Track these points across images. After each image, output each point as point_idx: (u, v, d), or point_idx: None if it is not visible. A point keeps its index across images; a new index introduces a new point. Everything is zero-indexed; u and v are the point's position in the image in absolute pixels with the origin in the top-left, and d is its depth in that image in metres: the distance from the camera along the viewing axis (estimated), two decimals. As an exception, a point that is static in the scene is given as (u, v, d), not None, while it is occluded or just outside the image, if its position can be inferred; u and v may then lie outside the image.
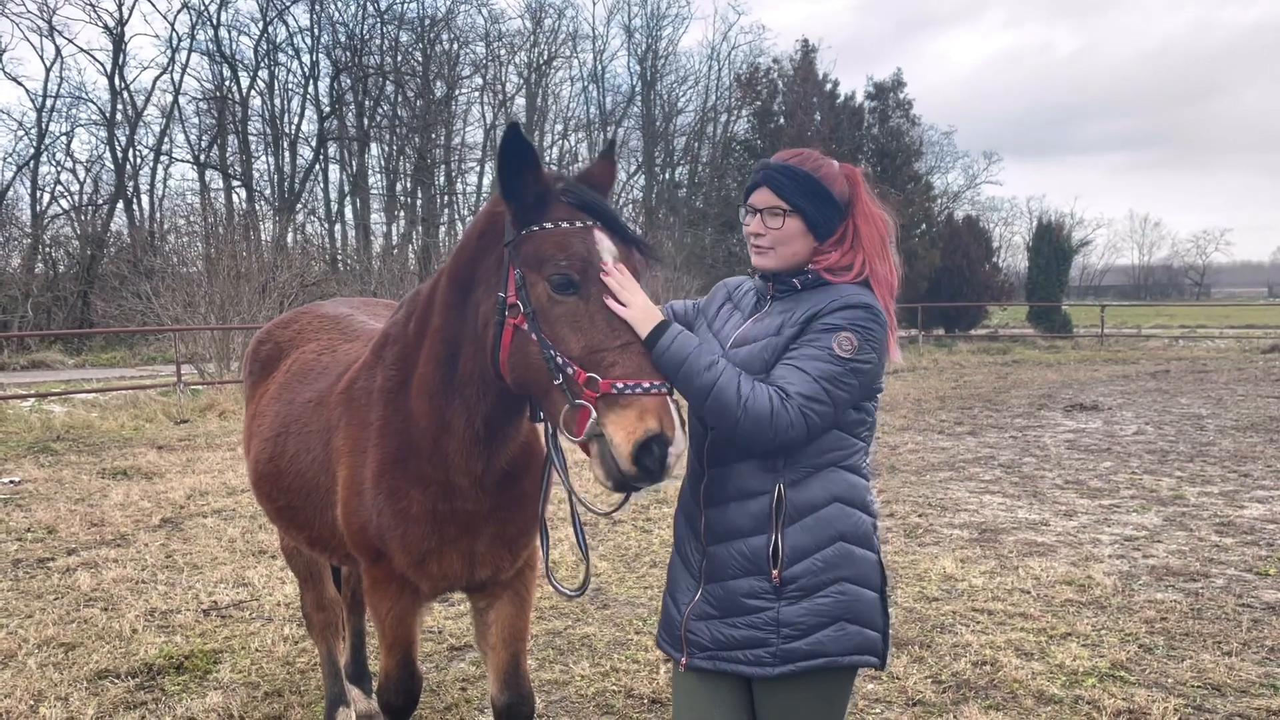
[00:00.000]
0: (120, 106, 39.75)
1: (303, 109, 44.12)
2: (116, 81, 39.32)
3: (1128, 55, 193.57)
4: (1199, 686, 4.88)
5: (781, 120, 39.32)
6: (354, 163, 44.67)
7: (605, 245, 2.60)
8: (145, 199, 40.83)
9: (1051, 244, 38.10)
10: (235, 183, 42.67)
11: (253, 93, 42.94)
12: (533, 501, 3.22)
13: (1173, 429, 13.49)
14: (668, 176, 52.74)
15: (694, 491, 2.78)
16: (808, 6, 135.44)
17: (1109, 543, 7.62)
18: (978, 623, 5.80)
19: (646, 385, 2.42)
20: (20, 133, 39.08)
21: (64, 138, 39.99)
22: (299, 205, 42.81)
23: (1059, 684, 4.90)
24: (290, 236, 35.08)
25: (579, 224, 2.62)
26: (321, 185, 45.33)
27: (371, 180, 45.51)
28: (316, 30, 43.04)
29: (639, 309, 2.54)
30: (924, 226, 37.87)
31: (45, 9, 37.75)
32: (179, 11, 40.59)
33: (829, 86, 39.32)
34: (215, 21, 40.97)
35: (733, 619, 2.65)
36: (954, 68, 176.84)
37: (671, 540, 2.97)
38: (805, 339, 2.57)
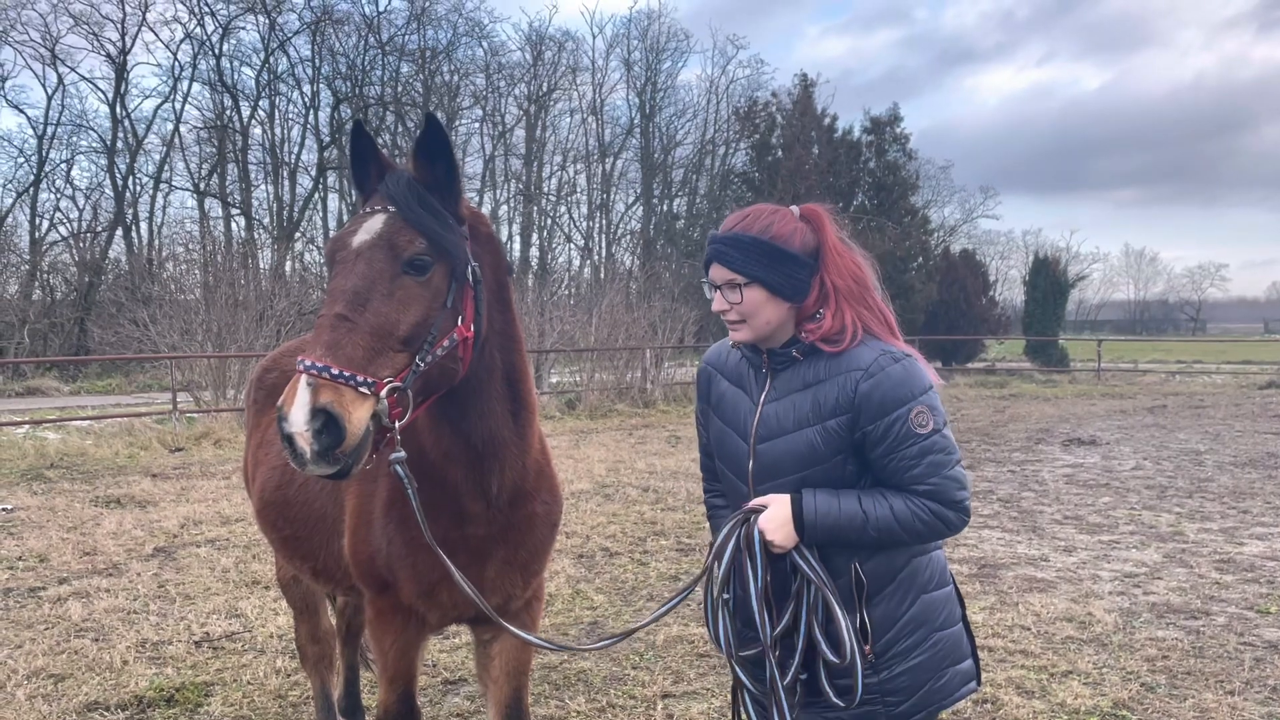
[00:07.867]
0: (121, 134, 40.00)
1: (303, 138, 44.47)
2: (118, 110, 39.59)
3: (1155, 91, 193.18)
4: (1202, 726, 4.83)
5: (779, 153, 39.61)
6: (353, 192, 44.76)
7: (362, 227, 2.66)
8: (144, 226, 41.06)
9: (1048, 278, 38.25)
10: (234, 211, 42.90)
11: (253, 122, 43.29)
12: (544, 524, 3.18)
13: (1171, 464, 13.46)
14: (666, 208, 53.06)
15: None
16: (849, 42, 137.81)
17: (1109, 579, 7.57)
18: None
19: (300, 362, 2.35)
20: (20, 160, 39.27)
21: (64, 165, 40.12)
22: (298, 234, 42.97)
23: (1061, 723, 4.84)
24: (289, 265, 35.14)
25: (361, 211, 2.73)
26: (320, 214, 45.62)
27: (370, 210, 45.64)
28: (318, 61, 43.43)
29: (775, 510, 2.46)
30: (920, 260, 38.06)
31: (48, 38, 38.05)
32: (181, 42, 40.84)
33: (827, 120, 39.63)
34: (217, 52, 41.36)
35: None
36: (982, 102, 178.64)
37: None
38: (886, 440, 2.41)
